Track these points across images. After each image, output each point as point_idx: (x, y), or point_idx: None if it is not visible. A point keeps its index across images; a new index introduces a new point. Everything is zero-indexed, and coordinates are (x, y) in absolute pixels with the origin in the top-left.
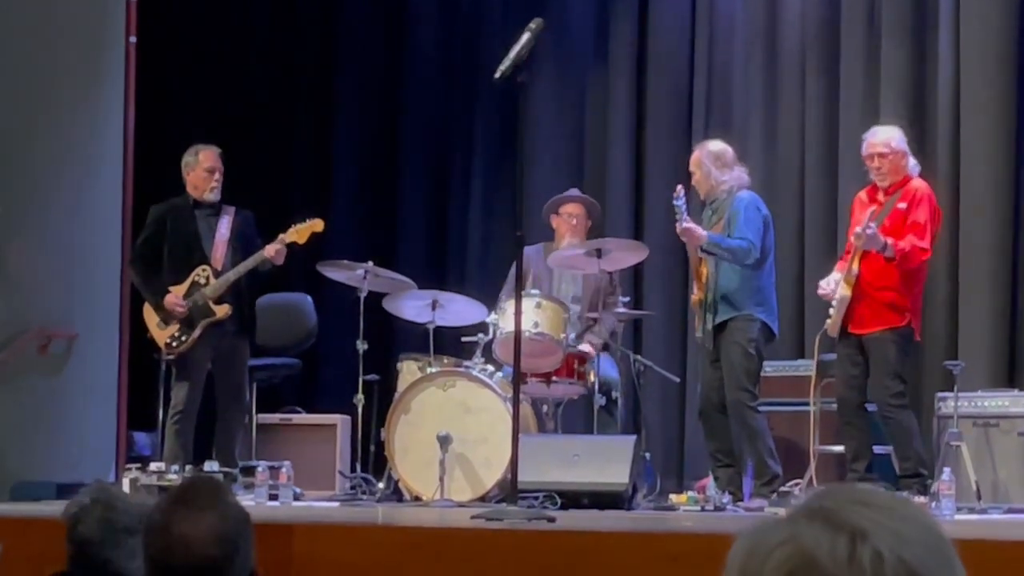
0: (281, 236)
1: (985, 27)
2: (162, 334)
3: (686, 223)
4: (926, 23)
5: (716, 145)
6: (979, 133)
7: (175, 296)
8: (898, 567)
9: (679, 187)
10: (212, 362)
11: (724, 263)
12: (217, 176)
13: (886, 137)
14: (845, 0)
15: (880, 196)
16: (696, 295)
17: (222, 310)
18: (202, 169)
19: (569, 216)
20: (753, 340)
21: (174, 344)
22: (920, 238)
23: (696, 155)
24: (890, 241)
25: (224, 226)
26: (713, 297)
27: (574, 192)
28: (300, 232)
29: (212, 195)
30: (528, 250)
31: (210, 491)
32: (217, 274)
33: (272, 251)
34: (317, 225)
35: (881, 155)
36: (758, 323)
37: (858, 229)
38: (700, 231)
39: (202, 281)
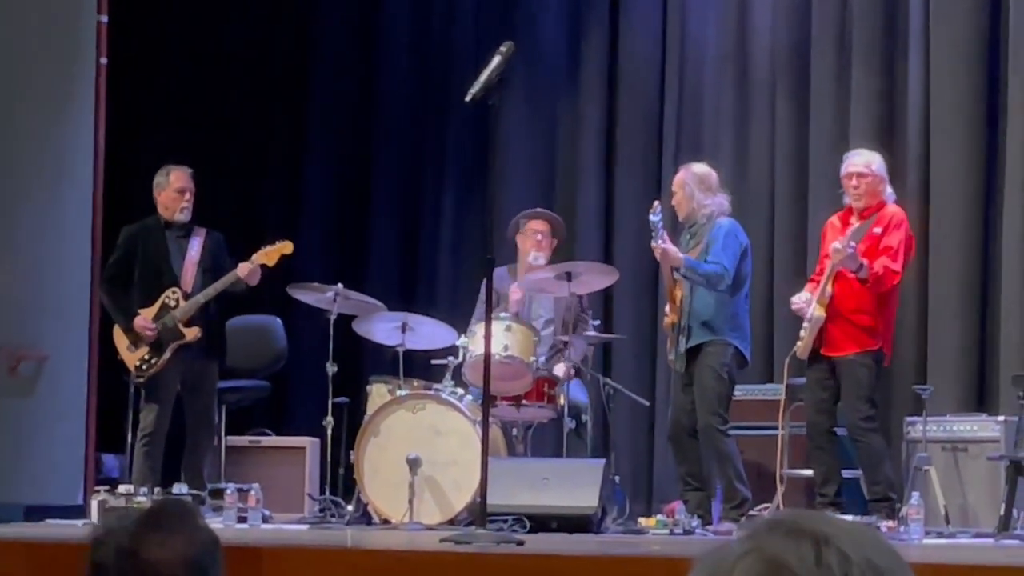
0: (252, 257)
1: (955, 51)
2: (132, 357)
3: (664, 243)
4: (896, 47)
5: (701, 168)
6: (949, 157)
7: (144, 319)
8: (866, 567)
9: (656, 203)
10: (181, 384)
11: (700, 287)
12: (188, 197)
13: (867, 160)
14: (815, 24)
15: (853, 220)
16: (669, 318)
17: (192, 333)
18: (172, 190)
19: (534, 232)
20: (725, 365)
21: (144, 367)
22: (892, 260)
23: (680, 176)
24: (865, 262)
25: (195, 248)
26: (687, 321)
27: (538, 209)
28: (269, 254)
29: (183, 216)
30: (496, 272)
31: (179, 514)
32: (187, 296)
33: (245, 270)
34: (287, 247)
35: (860, 175)
36: (731, 348)
37: (837, 244)
38: (677, 253)
39: (172, 303)
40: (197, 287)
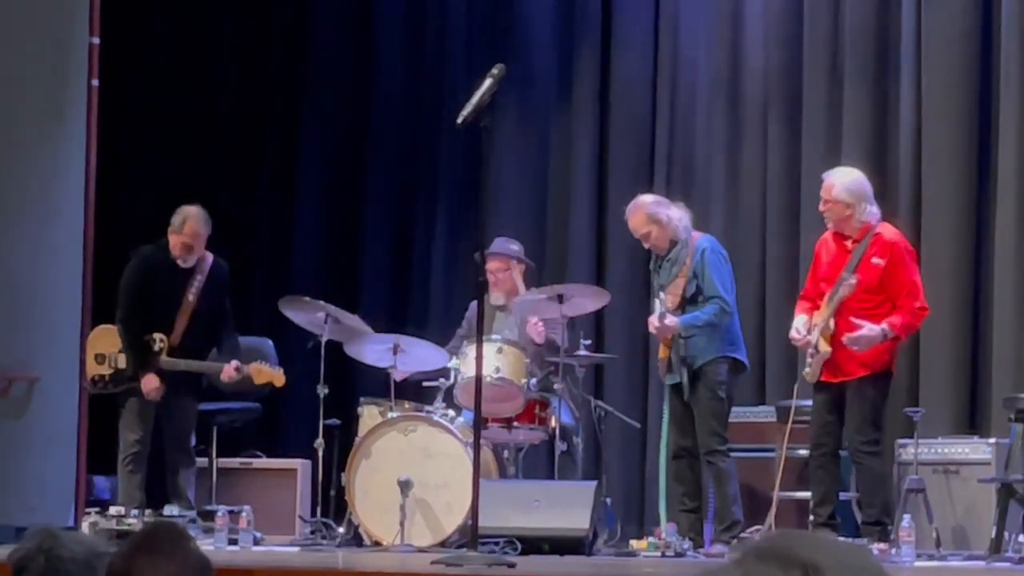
0: (243, 366)
1: (946, 75)
2: (94, 367)
3: (668, 320)
4: (888, 71)
5: (649, 196)
6: (940, 180)
7: (152, 382)
8: None
9: (661, 293)
10: (158, 407)
11: (687, 314)
12: (200, 242)
13: (829, 183)
14: (807, 47)
15: (848, 243)
16: (663, 352)
17: (149, 383)
18: (187, 235)
19: (490, 273)
20: (723, 383)
21: (99, 384)
22: (915, 298)
23: (641, 215)
24: (886, 327)
25: (194, 288)
26: (684, 352)
27: (498, 246)
28: (262, 372)
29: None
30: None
31: (171, 537)
32: (171, 350)
33: (228, 375)
34: (279, 379)
35: (824, 200)
36: (726, 363)
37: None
38: (675, 322)
39: (156, 349)
40: (186, 339)
